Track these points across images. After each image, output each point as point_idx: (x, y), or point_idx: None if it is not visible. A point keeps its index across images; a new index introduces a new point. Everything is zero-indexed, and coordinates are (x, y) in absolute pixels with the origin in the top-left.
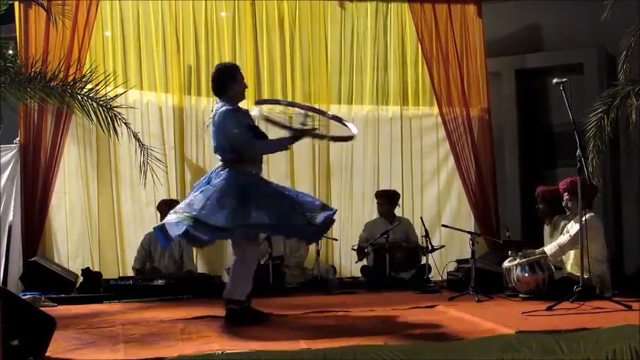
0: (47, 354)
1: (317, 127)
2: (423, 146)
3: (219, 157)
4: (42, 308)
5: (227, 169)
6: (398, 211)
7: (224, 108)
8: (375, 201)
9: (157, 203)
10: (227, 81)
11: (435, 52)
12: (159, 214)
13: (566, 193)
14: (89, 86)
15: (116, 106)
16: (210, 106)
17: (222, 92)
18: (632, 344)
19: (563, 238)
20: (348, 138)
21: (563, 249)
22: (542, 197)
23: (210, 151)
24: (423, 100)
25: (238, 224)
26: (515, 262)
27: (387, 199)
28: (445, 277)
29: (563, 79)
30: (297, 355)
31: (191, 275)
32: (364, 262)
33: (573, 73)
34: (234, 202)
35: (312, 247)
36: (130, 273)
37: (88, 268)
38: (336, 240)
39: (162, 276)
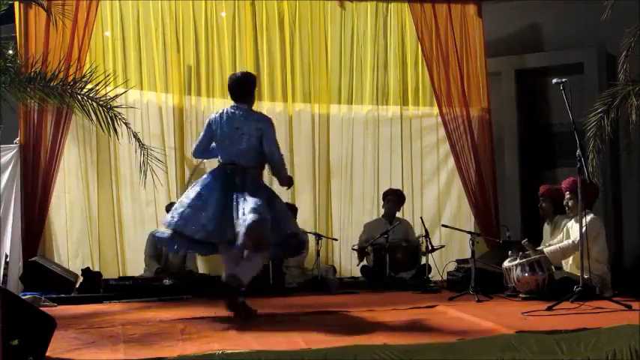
0: (47, 354)
1: None
2: (423, 146)
3: (244, 162)
4: (42, 308)
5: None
6: (397, 212)
7: (268, 117)
8: (381, 201)
9: (156, 203)
10: (253, 89)
11: (435, 52)
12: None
13: (568, 192)
14: (89, 86)
15: (116, 106)
16: (211, 106)
17: (245, 99)
18: (632, 344)
19: (565, 243)
20: None
21: (565, 253)
22: (546, 196)
23: None
24: (423, 100)
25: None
26: (516, 262)
27: (397, 198)
28: (445, 277)
29: (563, 79)
30: (297, 355)
31: (192, 275)
32: (364, 262)
33: (573, 73)
34: None
35: (312, 247)
36: (130, 273)
37: (88, 268)
38: (336, 240)
39: (171, 275)
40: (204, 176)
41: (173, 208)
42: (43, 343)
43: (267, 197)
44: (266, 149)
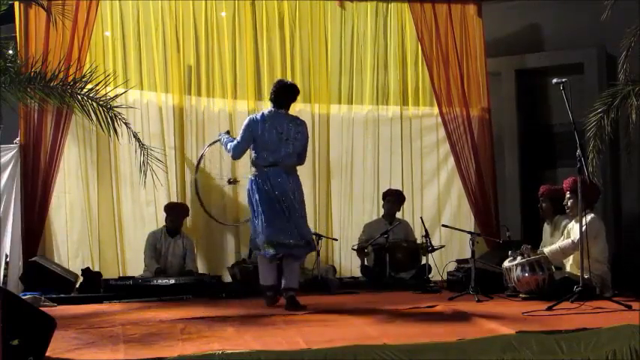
0: (47, 354)
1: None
2: (423, 146)
3: (289, 162)
4: (42, 308)
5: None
6: (397, 212)
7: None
8: (381, 201)
9: (156, 203)
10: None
11: (435, 52)
12: (165, 215)
13: (568, 192)
14: (89, 86)
15: (116, 106)
16: (211, 105)
17: (287, 106)
18: (632, 344)
19: (565, 242)
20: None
21: (565, 252)
22: (546, 196)
23: (210, 151)
24: (423, 100)
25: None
26: (515, 262)
27: (397, 198)
28: (445, 277)
29: (563, 79)
30: (297, 355)
31: (191, 275)
32: (364, 262)
33: (573, 73)
34: None
35: None
36: (130, 273)
37: (88, 268)
38: (336, 240)
39: (169, 275)
40: (254, 189)
41: (255, 229)
42: (43, 343)
43: (300, 200)
44: (304, 153)
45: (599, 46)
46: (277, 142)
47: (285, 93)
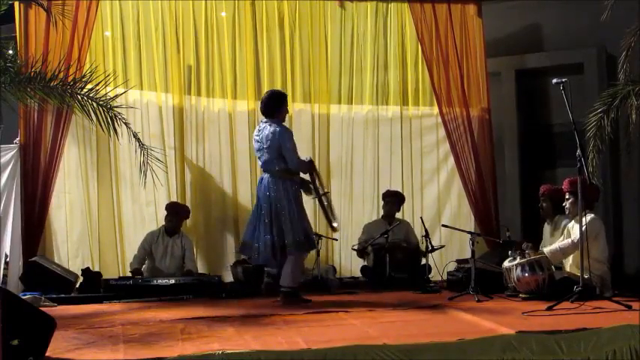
0: (47, 354)
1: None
2: (423, 146)
3: (270, 168)
4: (42, 308)
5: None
6: (397, 213)
7: (283, 128)
8: (381, 201)
9: (156, 203)
10: (277, 106)
11: (435, 52)
12: (166, 214)
13: (568, 192)
14: (89, 86)
15: (116, 106)
16: (211, 106)
17: (272, 114)
18: (632, 344)
19: (564, 242)
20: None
21: (565, 252)
22: (546, 196)
23: (210, 151)
24: (423, 100)
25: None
26: (515, 262)
27: (396, 199)
28: (445, 277)
29: (563, 79)
30: (297, 355)
31: (191, 275)
32: (364, 262)
33: (573, 73)
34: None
35: None
36: (130, 273)
37: (88, 268)
38: (336, 240)
39: (163, 276)
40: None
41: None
42: (43, 343)
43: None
44: (286, 157)
45: (599, 46)
46: (258, 150)
47: (264, 102)
